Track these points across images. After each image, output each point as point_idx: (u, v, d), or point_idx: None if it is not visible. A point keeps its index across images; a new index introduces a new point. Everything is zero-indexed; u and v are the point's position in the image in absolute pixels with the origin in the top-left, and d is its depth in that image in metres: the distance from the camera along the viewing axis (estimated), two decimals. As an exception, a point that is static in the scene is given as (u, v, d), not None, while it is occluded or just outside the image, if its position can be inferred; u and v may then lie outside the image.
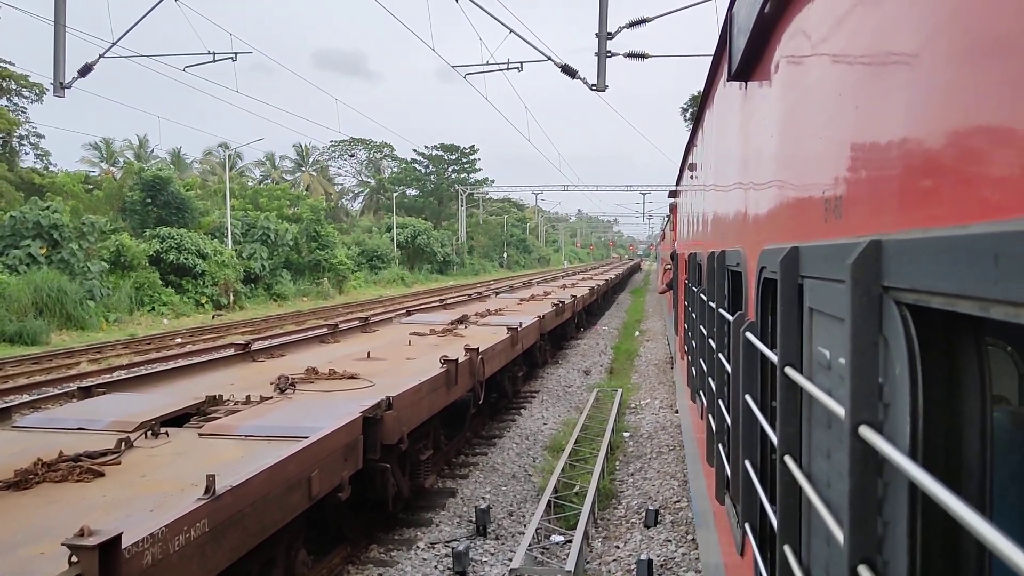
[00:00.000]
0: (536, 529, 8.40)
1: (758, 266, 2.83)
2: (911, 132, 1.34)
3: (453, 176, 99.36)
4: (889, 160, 1.45)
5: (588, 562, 8.14)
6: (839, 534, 1.50)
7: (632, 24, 17.41)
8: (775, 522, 2.25)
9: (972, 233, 1.00)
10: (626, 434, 13.59)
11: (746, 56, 3.25)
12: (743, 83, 3.68)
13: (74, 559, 3.62)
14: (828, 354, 1.75)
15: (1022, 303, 0.87)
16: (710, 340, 5.36)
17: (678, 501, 9.80)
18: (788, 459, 2.07)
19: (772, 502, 2.46)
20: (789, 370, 2.06)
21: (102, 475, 5.41)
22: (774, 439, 2.29)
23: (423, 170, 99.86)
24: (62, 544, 3.69)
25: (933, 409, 1.22)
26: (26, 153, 52.92)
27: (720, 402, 4.49)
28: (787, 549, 2.08)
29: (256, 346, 11.95)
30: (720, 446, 4.46)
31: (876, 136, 1.54)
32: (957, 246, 1.04)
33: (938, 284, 1.11)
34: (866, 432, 1.34)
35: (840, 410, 1.50)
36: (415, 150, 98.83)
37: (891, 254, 1.31)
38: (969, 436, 1.21)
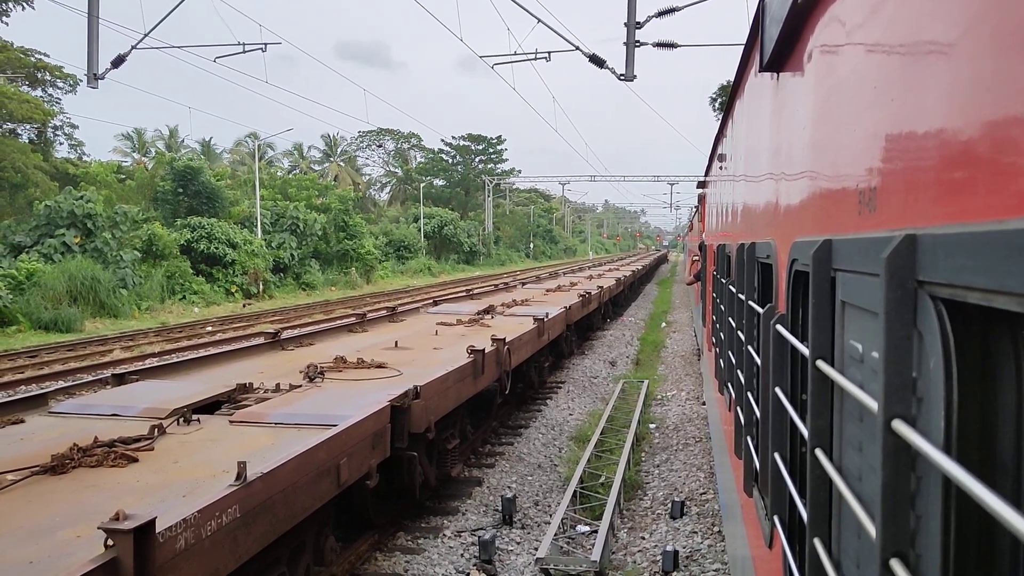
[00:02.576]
0: (562, 519, 8.43)
1: (789, 258, 2.81)
2: (947, 124, 1.32)
3: (480, 166, 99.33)
4: (925, 153, 1.43)
5: (613, 552, 8.15)
6: (871, 527, 1.50)
7: (661, 13, 17.29)
8: (804, 515, 2.25)
9: (1010, 228, 0.99)
10: (652, 425, 13.56)
11: (779, 46, 3.22)
12: (775, 73, 3.65)
13: (110, 542, 3.68)
14: (861, 348, 1.74)
15: None
16: (739, 332, 5.33)
17: (704, 493, 9.77)
18: (819, 452, 2.07)
19: (802, 495, 2.45)
20: (821, 363, 2.05)
21: (136, 461, 5.50)
22: (804, 432, 2.28)
23: (450, 160, 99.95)
24: (98, 528, 3.75)
25: (967, 404, 1.21)
26: (60, 143, 53.63)
27: (749, 394, 4.47)
28: (817, 542, 2.07)
29: (285, 335, 12.06)
30: (748, 438, 4.44)
31: (911, 128, 1.53)
32: (994, 241, 1.03)
33: (974, 279, 1.10)
34: (899, 426, 1.34)
35: (873, 404, 1.50)
36: (443, 140, 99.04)
37: (926, 248, 1.31)
38: (1004, 431, 1.20)
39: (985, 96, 1.16)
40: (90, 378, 15.94)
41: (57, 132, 51.62)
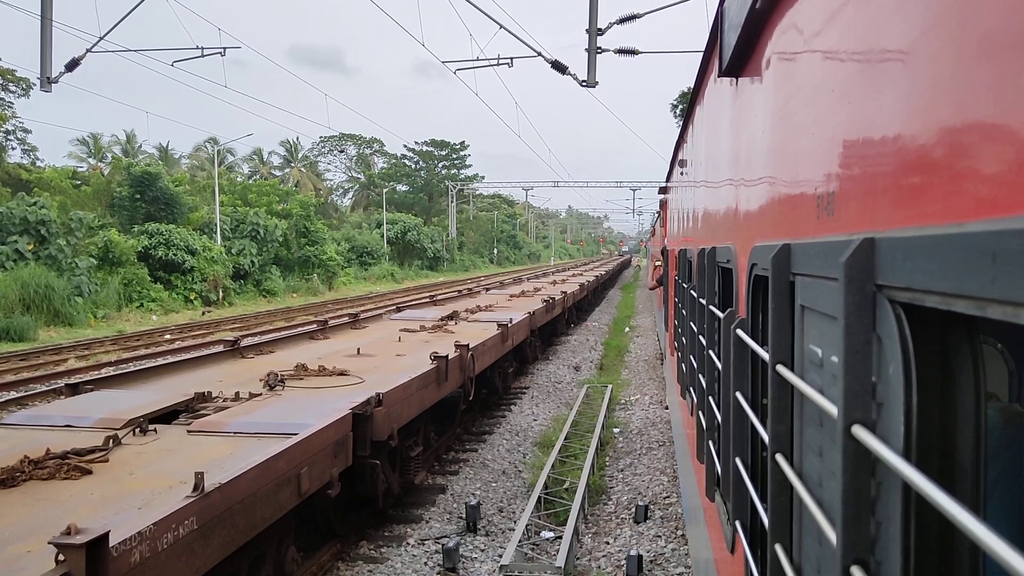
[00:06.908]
0: (526, 525, 8.40)
1: (749, 263, 2.82)
2: (905, 128, 1.32)
3: (443, 172, 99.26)
4: (883, 157, 1.43)
5: (578, 558, 8.14)
6: (831, 534, 1.49)
7: (623, 20, 17.38)
8: (766, 520, 2.24)
9: (968, 231, 0.99)
10: (616, 430, 13.60)
11: (737, 52, 3.24)
12: (734, 79, 3.67)
13: (61, 557, 3.59)
14: (820, 352, 1.74)
15: (1021, 302, 0.86)
16: (700, 337, 5.36)
17: (668, 497, 9.81)
18: (779, 457, 2.06)
19: (763, 500, 2.45)
20: (781, 368, 2.05)
21: (90, 473, 5.37)
22: (765, 437, 2.28)
23: (413, 166, 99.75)
24: (49, 542, 3.66)
25: (927, 408, 1.21)
26: (13, 148, 52.63)
27: (710, 399, 4.48)
28: (778, 548, 2.07)
29: (245, 343, 11.89)
30: (710, 443, 4.45)
31: (869, 132, 1.53)
32: (953, 244, 1.03)
33: (933, 283, 1.09)
34: (859, 431, 1.33)
35: (833, 409, 1.49)
36: (405, 146, 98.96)
37: (885, 252, 1.30)
38: (963, 435, 1.20)
39: (942, 100, 1.15)
40: (43, 388, 15.60)
41: (9, 137, 50.63)
